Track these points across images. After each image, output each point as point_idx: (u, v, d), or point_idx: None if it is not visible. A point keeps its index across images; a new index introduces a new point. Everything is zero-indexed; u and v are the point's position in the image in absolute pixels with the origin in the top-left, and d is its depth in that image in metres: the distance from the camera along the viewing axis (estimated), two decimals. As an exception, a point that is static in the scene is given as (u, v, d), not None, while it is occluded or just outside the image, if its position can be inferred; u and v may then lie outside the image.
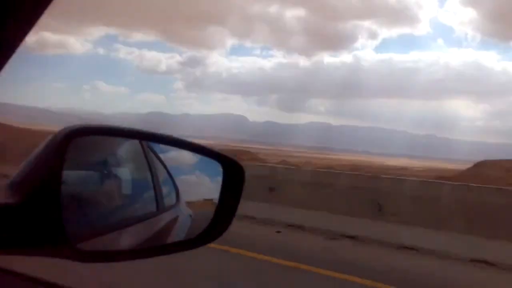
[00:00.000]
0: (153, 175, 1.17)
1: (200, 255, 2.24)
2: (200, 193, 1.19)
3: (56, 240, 0.74)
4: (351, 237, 7.79)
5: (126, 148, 1.11)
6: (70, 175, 0.84)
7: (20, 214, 0.72)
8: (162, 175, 1.19)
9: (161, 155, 1.18)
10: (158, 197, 1.18)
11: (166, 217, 1.19)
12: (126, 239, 1.01)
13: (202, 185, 1.18)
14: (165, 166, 1.18)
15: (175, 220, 1.20)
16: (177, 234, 1.21)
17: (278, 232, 8.15)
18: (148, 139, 1.12)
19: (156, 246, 1.06)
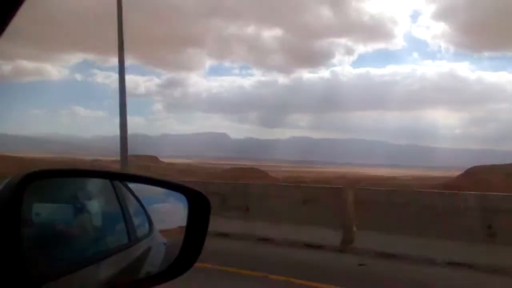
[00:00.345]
0: (123, 207, 1.18)
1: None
2: (174, 221, 1.20)
3: (20, 285, 0.72)
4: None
5: (96, 182, 1.12)
6: (44, 207, 0.85)
7: None
8: (133, 206, 1.20)
9: (132, 186, 1.19)
10: (129, 229, 1.19)
11: (139, 248, 1.19)
12: (99, 274, 1.00)
13: (176, 212, 1.18)
14: (136, 197, 1.20)
15: (149, 250, 1.21)
16: (152, 264, 1.20)
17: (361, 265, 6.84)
18: (112, 178, 1.14)
19: (126, 283, 1.04)
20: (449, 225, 7.37)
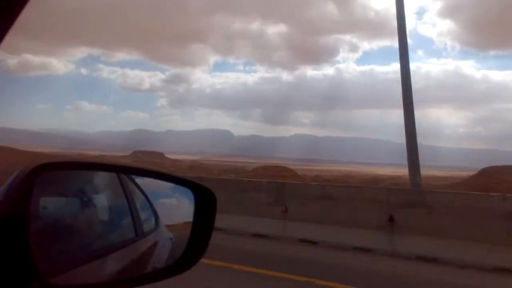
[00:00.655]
0: (130, 201, 1.18)
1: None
2: (180, 216, 1.20)
3: (27, 277, 0.73)
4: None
5: (103, 176, 1.12)
6: (51, 201, 0.85)
7: None
8: (140, 201, 1.20)
9: (138, 181, 1.19)
10: (136, 223, 1.19)
11: (146, 243, 1.19)
12: (106, 268, 1.00)
13: (182, 208, 1.18)
14: (142, 192, 1.19)
15: (155, 244, 1.22)
16: (158, 258, 1.20)
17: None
18: (118, 171, 1.14)
19: (132, 277, 1.04)
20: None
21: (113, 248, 1.05)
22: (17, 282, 0.72)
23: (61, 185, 0.94)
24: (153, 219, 1.23)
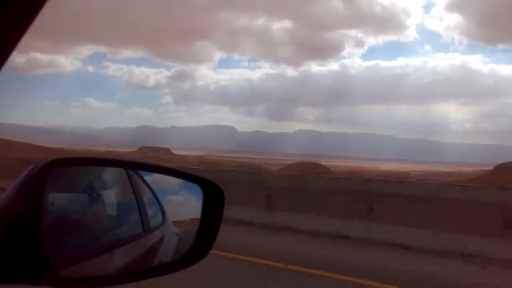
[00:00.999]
0: (138, 197, 1.20)
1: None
2: (187, 212, 1.23)
3: (39, 269, 0.75)
4: None
5: (111, 172, 1.14)
6: (58, 197, 0.88)
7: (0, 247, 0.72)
8: (147, 196, 1.22)
9: (146, 177, 1.21)
10: (143, 218, 1.21)
11: (152, 237, 1.22)
12: (113, 262, 1.03)
13: (189, 204, 1.21)
14: (150, 188, 1.22)
15: (161, 240, 1.24)
16: (165, 253, 1.23)
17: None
18: (128, 167, 1.17)
19: (139, 271, 1.07)
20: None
21: (120, 242, 1.07)
22: (30, 273, 0.75)
23: (70, 181, 0.96)
24: (160, 215, 1.25)
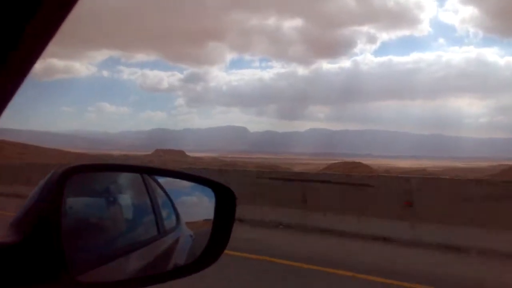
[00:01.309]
0: (153, 200, 1.22)
1: None
2: (200, 214, 1.25)
3: (57, 274, 0.77)
4: None
5: (126, 176, 1.17)
6: (76, 201, 0.91)
7: (20, 252, 0.74)
8: (162, 199, 1.24)
9: (160, 180, 1.24)
10: (158, 221, 1.22)
11: (168, 240, 1.23)
12: (129, 265, 1.04)
13: (202, 206, 1.23)
14: (164, 190, 1.24)
15: (176, 241, 1.26)
16: (179, 255, 1.25)
17: None
18: (143, 172, 1.20)
19: (155, 274, 1.08)
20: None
21: (136, 245, 1.08)
22: (48, 276, 0.76)
23: (87, 185, 0.98)
24: (174, 217, 1.27)
